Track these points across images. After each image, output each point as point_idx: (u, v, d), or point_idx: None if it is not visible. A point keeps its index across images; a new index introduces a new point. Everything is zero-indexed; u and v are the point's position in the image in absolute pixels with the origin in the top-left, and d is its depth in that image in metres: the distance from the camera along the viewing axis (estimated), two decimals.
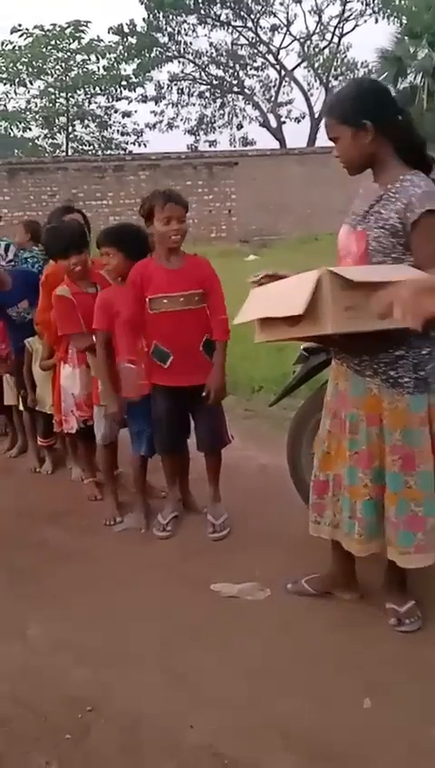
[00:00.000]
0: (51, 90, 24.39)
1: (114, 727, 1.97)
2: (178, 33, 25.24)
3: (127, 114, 26.20)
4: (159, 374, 2.91)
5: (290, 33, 25.66)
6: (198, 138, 27.56)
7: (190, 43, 25.67)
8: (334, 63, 25.66)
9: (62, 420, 3.47)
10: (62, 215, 3.74)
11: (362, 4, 24.43)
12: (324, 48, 25.96)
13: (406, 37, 22.51)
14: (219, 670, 2.17)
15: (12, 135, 25.06)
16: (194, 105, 27.15)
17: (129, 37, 24.45)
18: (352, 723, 1.93)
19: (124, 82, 24.88)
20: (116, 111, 26.08)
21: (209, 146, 26.94)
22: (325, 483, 2.28)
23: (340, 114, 2.01)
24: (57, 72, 24.01)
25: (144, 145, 26.21)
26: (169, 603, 2.55)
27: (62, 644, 2.34)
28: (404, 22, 22.81)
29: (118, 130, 26.40)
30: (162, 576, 2.72)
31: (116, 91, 25.11)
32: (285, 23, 25.36)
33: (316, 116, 25.70)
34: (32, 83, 24.14)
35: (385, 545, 2.18)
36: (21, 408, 3.99)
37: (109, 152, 24.43)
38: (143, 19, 24.26)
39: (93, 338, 3.07)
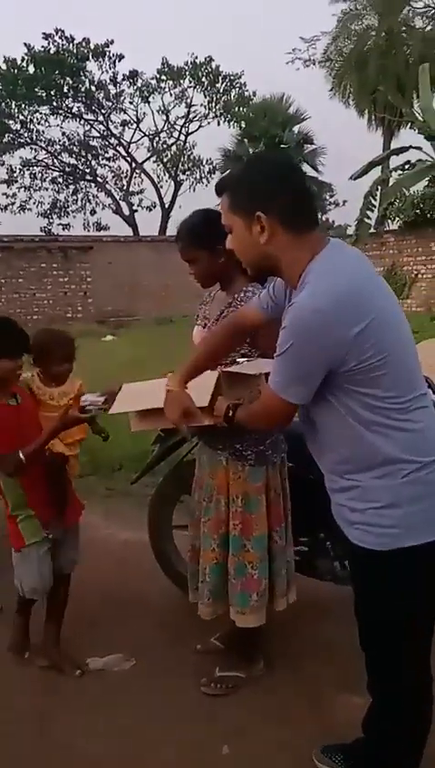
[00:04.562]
0: None
1: None
2: (31, 121, 25.96)
3: None
4: None
5: (140, 129, 27.34)
6: (51, 221, 28.04)
7: (43, 132, 26.49)
8: (182, 159, 27.54)
9: None
10: None
11: (205, 108, 26.75)
12: (172, 145, 27.86)
13: (245, 140, 24.80)
14: (92, 733, 2.32)
15: None
16: (47, 190, 27.75)
17: None
18: None
19: None
20: None
21: (63, 229, 27.49)
22: (199, 550, 2.52)
23: (196, 241, 2.36)
24: None
25: None
26: (41, 681, 2.62)
27: None
28: (243, 126, 25.15)
29: None
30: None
31: None
32: (135, 119, 27.03)
33: (166, 206, 27.27)
34: None
35: (228, 606, 2.44)
36: None
37: None
38: None
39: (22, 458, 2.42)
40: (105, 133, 27.19)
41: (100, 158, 27.70)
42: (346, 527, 1.72)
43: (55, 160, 27.40)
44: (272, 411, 1.74)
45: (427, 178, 15.58)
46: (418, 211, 16.20)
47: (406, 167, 16.01)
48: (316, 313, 1.49)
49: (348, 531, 1.71)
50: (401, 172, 16.22)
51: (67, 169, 27.65)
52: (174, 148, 27.80)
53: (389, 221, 17.72)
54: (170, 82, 26.48)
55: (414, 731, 1.81)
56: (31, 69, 24.37)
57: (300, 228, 1.63)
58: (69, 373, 2.69)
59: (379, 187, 15.44)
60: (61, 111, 26.10)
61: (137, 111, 26.94)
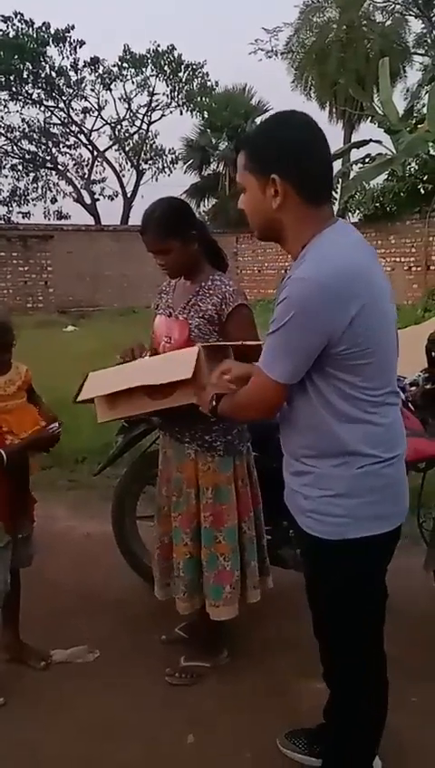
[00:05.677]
0: None
1: None
2: None
3: None
4: None
5: (101, 117, 26.91)
6: (10, 209, 27.46)
7: (2, 118, 25.88)
8: (144, 148, 27.26)
9: None
10: None
11: (168, 97, 26.50)
12: (134, 133, 27.54)
13: (208, 130, 24.70)
14: (57, 730, 2.30)
15: None
16: (6, 177, 27.13)
17: None
18: (176, 758, 2.16)
19: None
20: None
21: (23, 217, 26.89)
22: (170, 545, 2.51)
23: (168, 232, 2.30)
24: None
25: None
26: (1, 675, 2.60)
27: None
28: (206, 116, 25.04)
29: None
30: None
31: None
32: (97, 107, 26.60)
33: (129, 195, 27.00)
34: None
35: (204, 599, 2.46)
36: None
37: None
38: None
39: None
40: (66, 120, 26.69)
41: (60, 145, 27.17)
42: (298, 514, 1.72)
43: (15, 147, 26.78)
44: (261, 395, 1.64)
45: (386, 172, 15.77)
46: (377, 204, 16.37)
47: (366, 160, 16.18)
48: (319, 285, 1.46)
49: (299, 518, 1.71)
50: (361, 165, 16.39)
51: (27, 156, 27.04)
52: (136, 136, 27.47)
53: (349, 213, 17.87)
54: (132, 70, 26.10)
55: (372, 715, 1.85)
56: None
57: (314, 199, 1.56)
58: (9, 361, 2.57)
59: (340, 180, 15.57)
60: (20, 97, 25.49)
61: (98, 99, 26.49)
